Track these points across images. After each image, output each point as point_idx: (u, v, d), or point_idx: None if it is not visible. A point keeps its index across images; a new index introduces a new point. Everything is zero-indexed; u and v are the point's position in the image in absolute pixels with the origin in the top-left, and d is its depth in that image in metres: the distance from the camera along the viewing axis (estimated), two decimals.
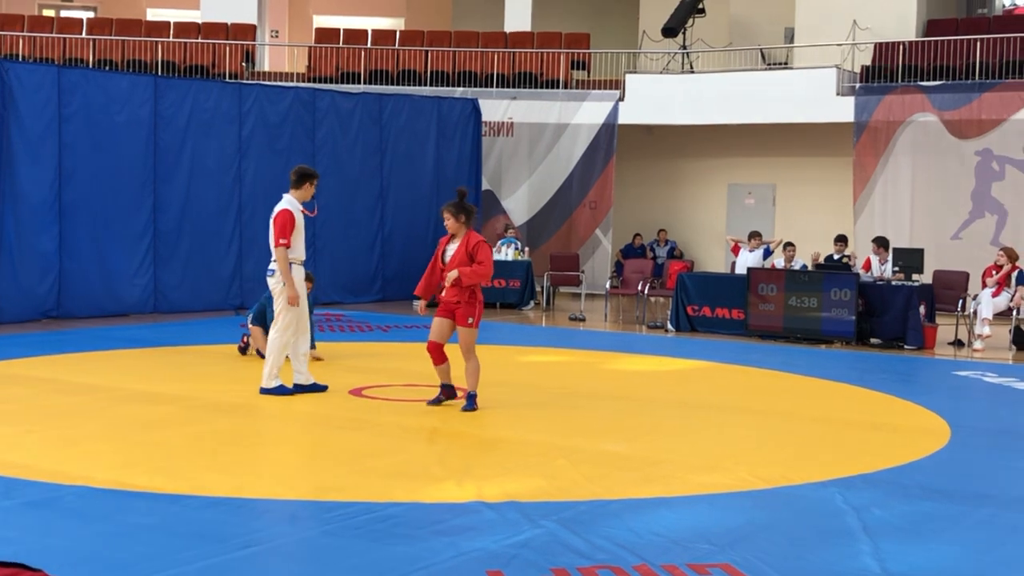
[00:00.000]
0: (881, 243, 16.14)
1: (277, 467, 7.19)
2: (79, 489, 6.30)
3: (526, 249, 19.33)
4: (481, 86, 21.79)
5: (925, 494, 6.79)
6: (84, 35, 22.74)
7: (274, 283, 9.56)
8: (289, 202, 9.55)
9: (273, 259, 9.54)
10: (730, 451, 7.98)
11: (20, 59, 21.16)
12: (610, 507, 6.28)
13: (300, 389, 9.66)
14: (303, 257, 9.63)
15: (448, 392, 9.30)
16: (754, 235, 17.05)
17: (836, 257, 16.26)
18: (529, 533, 5.69)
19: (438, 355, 9.15)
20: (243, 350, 12.16)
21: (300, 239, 9.53)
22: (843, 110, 19.76)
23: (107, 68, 21.29)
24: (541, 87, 21.80)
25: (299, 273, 9.56)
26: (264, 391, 9.56)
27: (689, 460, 7.59)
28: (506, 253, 18.76)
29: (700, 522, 6.06)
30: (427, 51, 22.35)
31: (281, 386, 9.58)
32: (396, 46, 22.88)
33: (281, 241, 9.37)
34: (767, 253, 16.59)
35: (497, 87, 21.76)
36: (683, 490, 6.77)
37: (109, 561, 5.08)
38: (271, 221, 9.54)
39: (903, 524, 6.10)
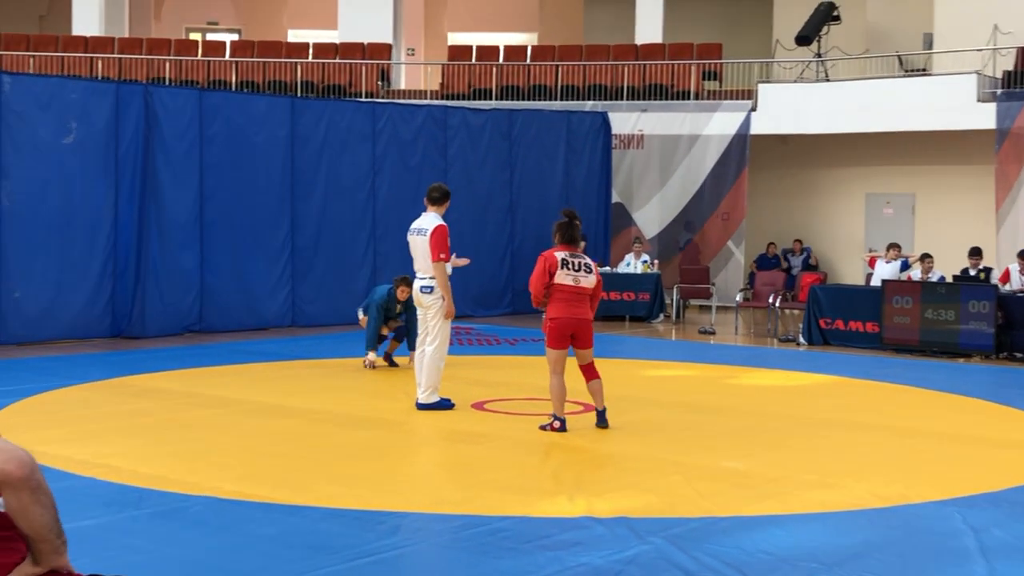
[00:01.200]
0: None
1: (395, 480, 7.35)
2: (205, 500, 6.57)
3: (655, 262, 19.28)
4: (612, 99, 21.84)
5: None
6: (227, 57, 23.53)
7: (432, 299, 9.61)
8: (438, 218, 9.61)
9: (427, 275, 9.60)
10: (851, 468, 7.86)
11: (167, 82, 22.02)
12: (721, 524, 6.26)
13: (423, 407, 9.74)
14: (450, 271, 9.72)
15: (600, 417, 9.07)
16: (892, 247, 16.65)
17: (972, 272, 15.70)
18: (636, 549, 5.72)
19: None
20: (389, 359, 12.44)
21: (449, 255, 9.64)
22: (984, 117, 19.19)
23: (249, 89, 22.00)
24: (672, 98, 21.73)
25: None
26: (422, 406, 9.61)
27: (807, 477, 7.51)
28: (635, 266, 18.74)
29: (812, 541, 6.00)
30: (557, 65, 22.50)
31: (442, 400, 9.69)
32: (527, 61, 23.09)
33: (441, 256, 9.45)
34: (904, 266, 16.18)
35: (628, 99, 21.77)
36: (798, 508, 6.71)
37: (225, 570, 5.29)
38: (427, 238, 9.53)
39: (1022, 545, 5.94)
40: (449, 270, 9.63)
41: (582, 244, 9.51)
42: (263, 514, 6.35)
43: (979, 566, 5.56)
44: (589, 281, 8.89)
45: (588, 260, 8.98)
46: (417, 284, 9.75)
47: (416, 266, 9.79)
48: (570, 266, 8.82)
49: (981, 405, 10.84)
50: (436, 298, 9.60)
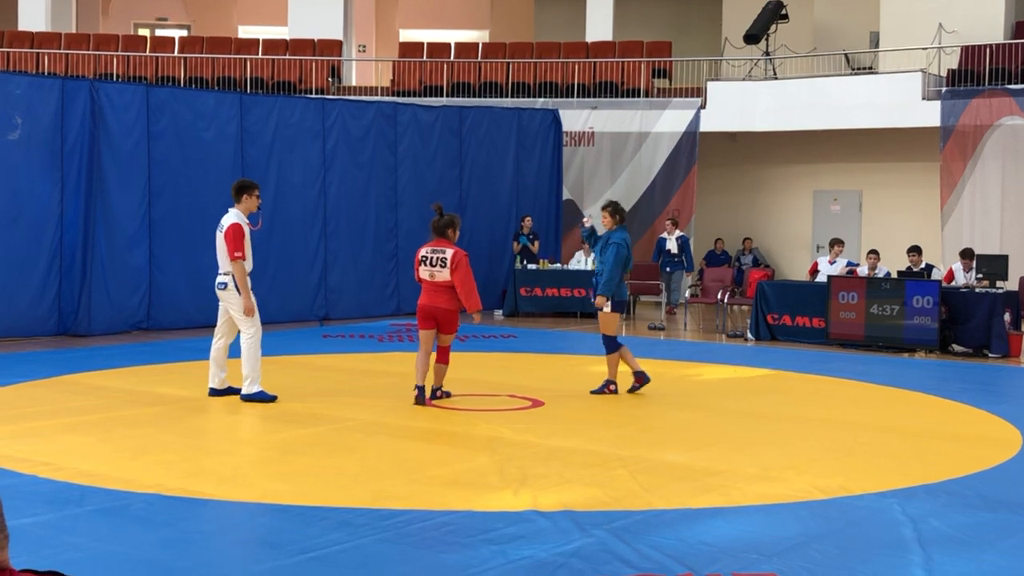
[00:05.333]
0: (967, 255, 15.85)
1: (341, 476, 7.34)
2: (148, 497, 6.53)
3: None
4: (562, 96, 21.92)
5: (986, 505, 6.71)
6: (176, 53, 23.36)
7: (227, 295, 9.83)
8: (237, 216, 9.81)
9: (221, 272, 9.80)
10: (793, 461, 7.95)
11: (115, 78, 21.82)
12: (664, 517, 6.32)
13: (216, 392, 10.01)
14: (250, 269, 9.88)
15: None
16: (836, 242, 16.83)
17: (915, 270, 15.84)
18: (580, 542, 5.76)
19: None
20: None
21: (248, 252, 9.80)
22: (929, 114, 19.46)
23: (198, 86, 21.85)
24: (622, 96, 21.84)
25: (249, 282, 9.86)
26: (245, 397, 9.82)
27: (750, 470, 7.58)
28: (586, 263, 18.82)
29: (752, 532, 6.07)
30: (508, 63, 22.53)
31: (262, 392, 9.86)
32: (478, 59, 23.10)
33: (236, 255, 9.63)
34: (850, 274, 16.13)
35: (578, 97, 21.85)
36: (740, 500, 6.78)
37: (167, 567, 5.27)
38: (222, 236, 9.75)
39: (958, 535, 6.04)
40: (249, 267, 9.80)
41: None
42: (206, 511, 6.33)
43: (916, 555, 5.65)
44: (443, 276, 9.83)
45: (448, 255, 9.84)
46: (217, 280, 9.89)
47: (219, 260, 9.93)
48: (428, 262, 9.90)
49: (922, 399, 10.99)
50: (231, 293, 9.79)
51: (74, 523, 6.01)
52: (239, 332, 10.00)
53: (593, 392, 10.65)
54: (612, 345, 10.64)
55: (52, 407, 9.49)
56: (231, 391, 10.03)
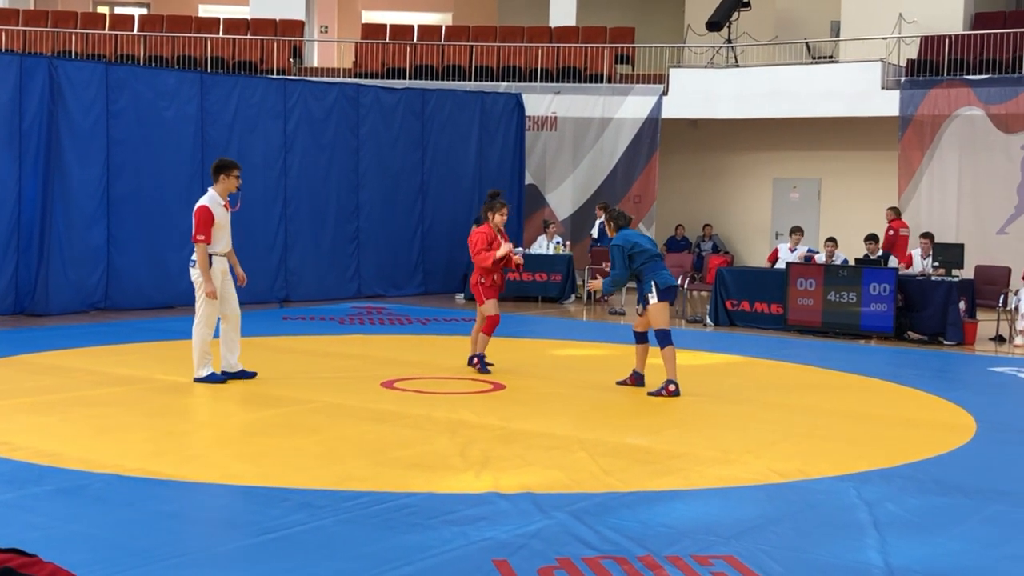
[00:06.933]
0: (927, 236, 16.04)
1: (303, 458, 7.34)
2: (107, 477, 6.51)
3: (567, 243, 19.41)
4: (525, 81, 21.91)
5: (940, 489, 6.82)
6: (136, 32, 23.12)
7: (193, 273, 9.80)
8: (209, 198, 9.78)
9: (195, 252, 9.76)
10: (751, 445, 8.02)
11: (73, 56, 21.58)
12: (624, 499, 6.37)
13: (228, 376, 9.96)
14: (226, 250, 9.88)
15: None
16: (795, 230, 16.96)
17: (872, 258, 16.02)
18: (540, 524, 5.80)
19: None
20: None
21: (222, 233, 9.78)
22: (888, 104, 19.64)
23: (157, 64, 21.65)
24: (585, 81, 21.87)
25: (220, 264, 9.83)
26: (197, 380, 9.79)
27: (709, 454, 7.66)
28: (547, 247, 18.85)
29: (711, 515, 6.13)
30: (472, 46, 22.50)
31: (212, 374, 9.84)
32: (442, 41, 23.05)
33: (198, 237, 9.59)
34: (808, 261, 16.29)
35: (541, 82, 21.87)
36: (699, 483, 6.85)
37: (127, 547, 5.25)
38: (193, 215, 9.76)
39: (913, 519, 6.14)
40: (227, 248, 9.84)
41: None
42: (166, 491, 6.32)
43: (872, 539, 5.73)
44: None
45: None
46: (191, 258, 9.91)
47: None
48: None
49: (879, 385, 11.12)
50: (197, 274, 9.76)
51: (33, 502, 5.99)
52: (240, 313, 10.04)
53: (650, 394, 9.83)
54: (665, 339, 9.85)
55: (10, 387, 9.42)
56: (243, 375, 9.96)
